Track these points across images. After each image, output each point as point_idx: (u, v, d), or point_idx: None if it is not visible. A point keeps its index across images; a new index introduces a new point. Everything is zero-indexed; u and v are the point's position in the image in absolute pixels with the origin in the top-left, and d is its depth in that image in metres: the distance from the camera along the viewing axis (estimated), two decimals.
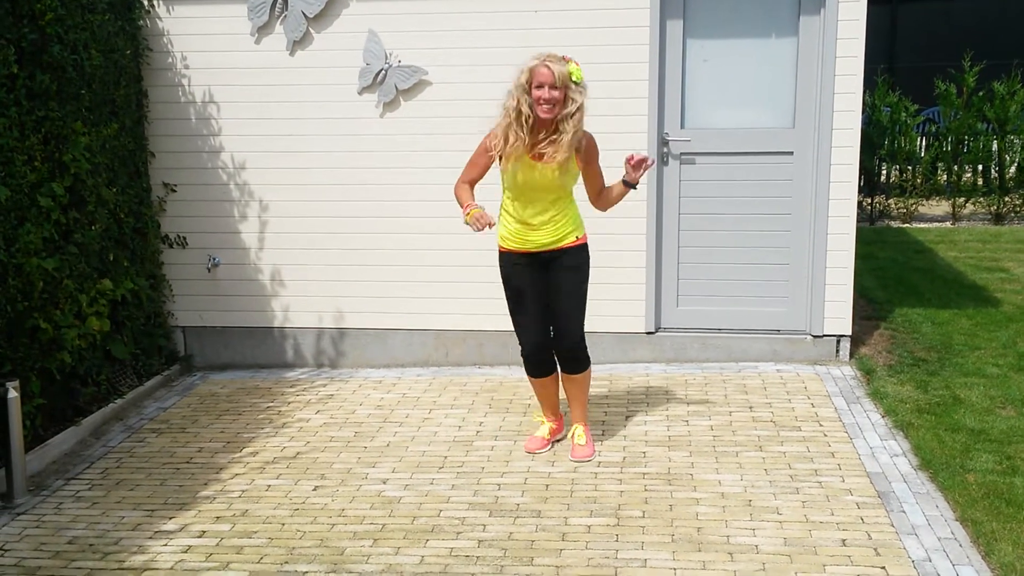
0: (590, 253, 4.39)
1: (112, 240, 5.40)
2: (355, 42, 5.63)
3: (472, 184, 4.29)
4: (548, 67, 4.00)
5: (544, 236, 4.24)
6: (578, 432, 4.53)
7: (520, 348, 4.44)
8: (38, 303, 4.63)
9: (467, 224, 4.06)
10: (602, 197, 4.37)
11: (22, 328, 4.54)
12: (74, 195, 5.02)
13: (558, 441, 4.63)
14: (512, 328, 4.49)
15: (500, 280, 4.40)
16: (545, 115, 4.03)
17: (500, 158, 4.17)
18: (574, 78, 4.04)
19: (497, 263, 4.40)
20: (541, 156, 4.10)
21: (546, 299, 4.35)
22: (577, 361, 4.43)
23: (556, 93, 4.00)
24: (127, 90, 5.56)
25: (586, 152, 4.18)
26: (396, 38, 5.61)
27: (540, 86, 4.00)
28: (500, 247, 4.35)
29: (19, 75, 4.54)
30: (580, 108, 4.06)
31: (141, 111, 5.78)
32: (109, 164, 5.37)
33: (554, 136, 4.08)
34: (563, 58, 4.05)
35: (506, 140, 4.10)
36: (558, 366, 4.50)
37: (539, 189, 4.15)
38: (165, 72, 5.80)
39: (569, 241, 4.29)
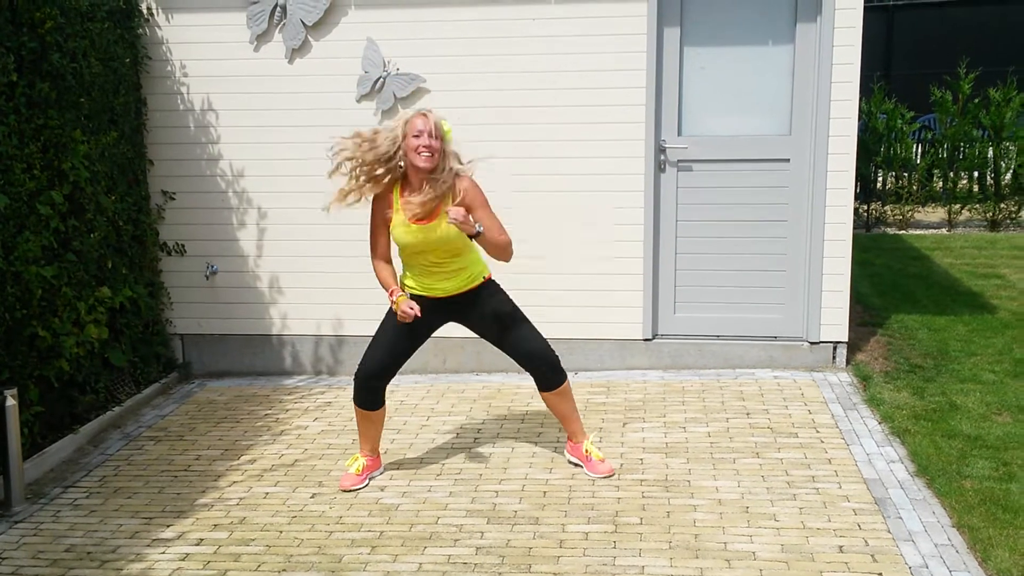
0: (499, 286, 4.29)
1: (111, 248, 5.41)
2: (354, 50, 5.66)
3: (389, 259, 4.20)
4: (426, 115, 3.98)
5: (449, 284, 4.15)
6: (592, 449, 4.40)
7: (358, 369, 4.25)
8: (36, 311, 4.63)
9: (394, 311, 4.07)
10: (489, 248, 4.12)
11: (20, 336, 4.55)
12: (73, 203, 5.03)
13: (372, 478, 4.42)
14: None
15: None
16: (424, 164, 3.93)
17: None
18: (446, 132, 4.01)
19: None
20: (420, 216, 4.01)
21: (414, 343, 4.23)
22: (556, 371, 4.27)
23: (436, 143, 3.95)
24: (126, 98, 5.58)
25: (468, 202, 4.02)
26: (394, 46, 5.63)
27: (419, 134, 3.94)
28: (404, 289, 4.23)
29: (18, 83, 4.56)
30: (448, 158, 4.00)
31: (140, 119, 5.79)
32: (108, 172, 5.38)
33: (418, 191, 4.00)
34: (427, 111, 4.02)
35: (366, 187, 4.04)
36: (542, 386, 4.33)
37: (424, 252, 4.07)
38: (164, 80, 5.82)
39: (477, 283, 4.20)
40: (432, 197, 3.98)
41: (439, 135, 3.98)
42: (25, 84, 4.62)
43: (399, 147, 4.00)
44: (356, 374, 4.27)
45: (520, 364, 4.28)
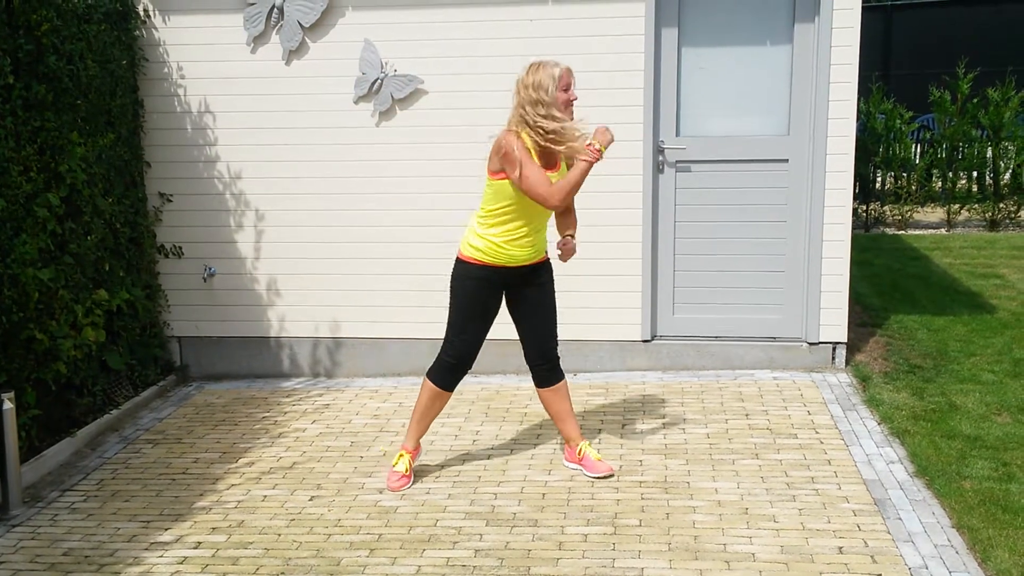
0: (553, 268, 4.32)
1: (108, 250, 5.40)
2: (351, 51, 5.65)
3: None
4: (571, 71, 4.00)
5: (526, 252, 4.14)
6: (589, 449, 4.39)
7: (449, 356, 4.25)
8: (33, 314, 4.62)
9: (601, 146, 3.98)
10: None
11: (17, 339, 4.53)
12: (70, 205, 5.02)
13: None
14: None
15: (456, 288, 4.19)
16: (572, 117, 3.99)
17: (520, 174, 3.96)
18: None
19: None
20: (548, 163, 4.02)
21: (493, 318, 4.25)
22: (558, 368, 4.34)
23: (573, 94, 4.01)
24: (123, 100, 5.57)
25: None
26: (392, 47, 5.62)
27: (568, 88, 3.99)
28: (472, 260, 4.12)
29: (15, 86, 4.55)
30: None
31: (137, 121, 5.78)
32: (105, 174, 5.37)
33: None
34: None
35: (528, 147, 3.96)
36: (542, 381, 4.35)
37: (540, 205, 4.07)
38: (161, 82, 5.81)
39: (542, 257, 4.24)
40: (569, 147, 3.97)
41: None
42: (22, 86, 4.61)
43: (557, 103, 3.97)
44: (446, 357, 4.25)
45: (526, 352, 4.32)
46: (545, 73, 3.95)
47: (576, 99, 4.02)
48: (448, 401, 4.41)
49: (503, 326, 5.99)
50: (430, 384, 4.31)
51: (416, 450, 4.42)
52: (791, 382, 5.47)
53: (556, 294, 4.34)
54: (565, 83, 3.98)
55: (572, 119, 4.01)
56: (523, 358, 4.40)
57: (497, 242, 4.08)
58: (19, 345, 4.55)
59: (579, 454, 4.39)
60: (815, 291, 5.57)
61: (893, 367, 5.58)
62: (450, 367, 4.28)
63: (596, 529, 3.84)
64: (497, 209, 4.05)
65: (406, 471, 4.34)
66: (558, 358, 4.34)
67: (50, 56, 4.79)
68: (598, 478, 4.31)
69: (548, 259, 4.29)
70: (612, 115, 5.50)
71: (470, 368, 4.33)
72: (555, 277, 4.13)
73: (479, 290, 4.17)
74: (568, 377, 5.49)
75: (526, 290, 4.23)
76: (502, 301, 4.27)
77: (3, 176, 4.42)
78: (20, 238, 4.50)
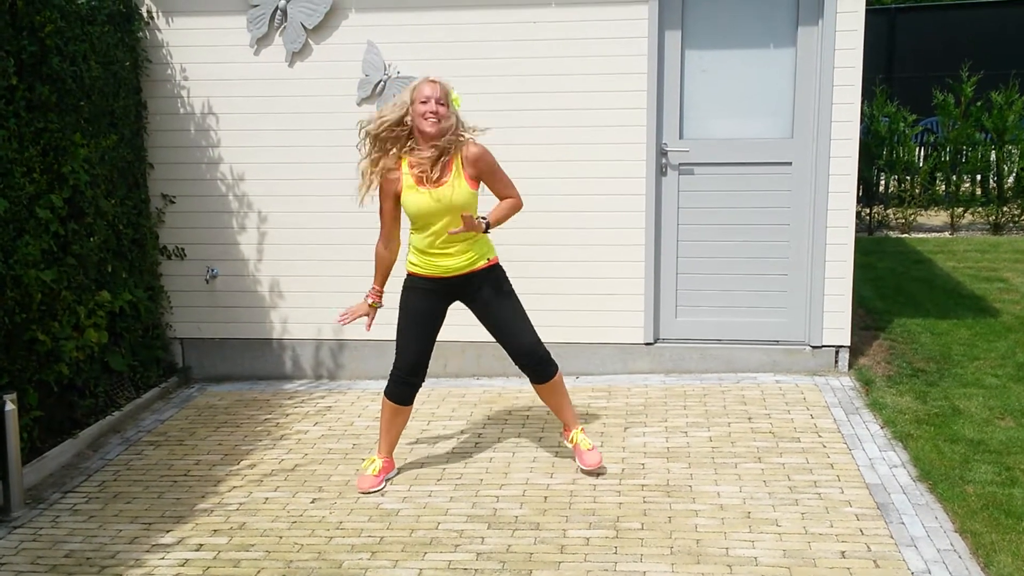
0: (505, 273, 4.33)
1: (111, 251, 5.40)
2: (354, 53, 5.65)
3: (390, 244, 4.28)
4: (434, 81, 4.05)
5: (454, 261, 4.17)
6: (582, 438, 4.43)
7: (397, 367, 4.32)
8: (36, 315, 4.62)
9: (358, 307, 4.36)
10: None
11: (20, 340, 4.53)
12: (73, 207, 5.02)
13: (388, 480, 4.42)
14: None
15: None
16: (430, 128, 4.00)
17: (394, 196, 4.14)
18: (454, 99, 4.09)
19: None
20: (422, 180, 4.05)
21: (437, 327, 4.29)
22: (545, 364, 4.31)
23: (442, 108, 4.01)
24: (126, 101, 5.57)
25: (480, 169, 4.11)
26: (395, 49, 5.62)
27: (426, 100, 4.01)
28: (409, 272, 4.27)
29: (18, 87, 4.55)
30: (456, 124, 4.05)
31: (140, 122, 5.78)
32: (108, 175, 5.37)
33: (427, 155, 4.05)
34: (436, 79, 4.10)
35: (380, 160, 4.08)
36: (531, 379, 4.37)
37: (434, 215, 4.08)
38: (164, 83, 5.81)
39: (481, 264, 4.23)
40: (436, 155, 4.02)
41: (446, 101, 4.03)
42: (25, 88, 4.61)
43: (407, 112, 4.06)
44: (395, 370, 4.32)
45: (511, 357, 4.33)
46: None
47: (434, 111, 4.03)
48: (408, 417, 4.43)
49: None
50: (385, 399, 4.37)
51: (388, 463, 4.45)
52: (794, 385, 5.46)
53: (516, 294, 4.32)
54: (421, 96, 4.05)
55: (431, 131, 4.03)
56: None
57: (421, 253, 4.19)
58: (21, 346, 4.55)
59: (571, 440, 4.45)
60: (818, 294, 5.56)
61: (896, 371, 5.57)
62: (398, 379, 4.33)
63: (598, 533, 3.84)
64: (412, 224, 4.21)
65: (375, 473, 4.37)
66: (541, 356, 4.30)
67: (54, 57, 4.79)
68: (585, 471, 4.34)
69: (493, 265, 4.27)
70: (615, 117, 5.51)
71: (421, 381, 4.35)
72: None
73: (418, 301, 4.24)
74: (570, 380, 5.51)
75: (477, 297, 4.26)
76: (444, 313, 4.31)
77: (6, 177, 4.43)
78: (23, 239, 4.50)
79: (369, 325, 4.41)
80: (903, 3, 16.51)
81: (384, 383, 5.81)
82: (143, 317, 5.71)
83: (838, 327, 5.58)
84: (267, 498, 4.30)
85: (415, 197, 4.09)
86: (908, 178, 10.64)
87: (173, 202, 5.93)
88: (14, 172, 4.47)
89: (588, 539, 3.79)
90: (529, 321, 4.32)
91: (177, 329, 6.08)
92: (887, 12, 15.70)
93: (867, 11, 5.35)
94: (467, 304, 4.33)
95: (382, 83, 5.64)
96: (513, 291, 4.32)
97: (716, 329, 5.77)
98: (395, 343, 4.34)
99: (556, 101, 5.55)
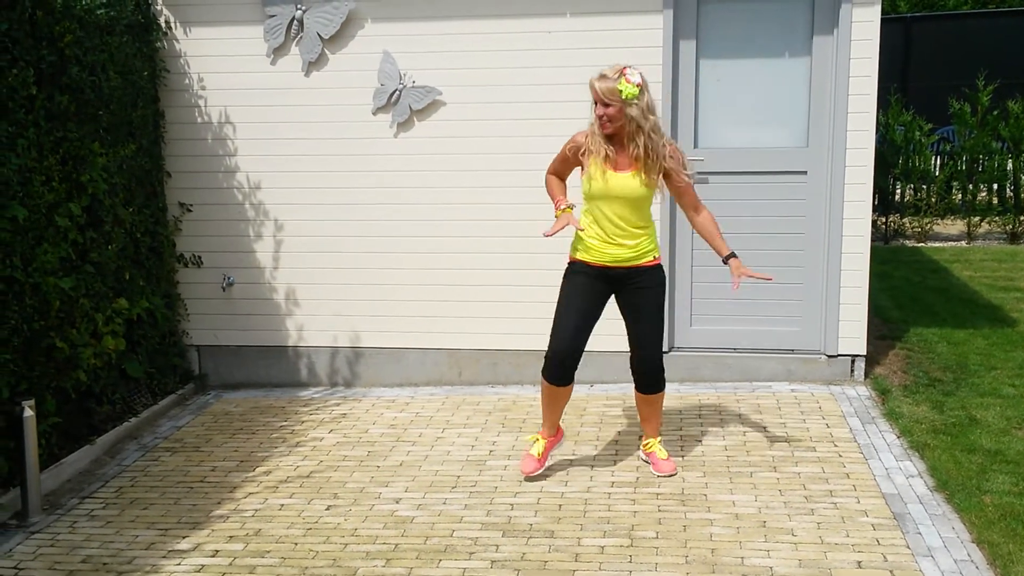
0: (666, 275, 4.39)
1: (128, 259, 5.44)
2: (370, 63, 5.68)
3: (560, 178, 4.36)
4: (593, 85, 4.05)
5: (621, 251, 4.22)
6: (659, 447, 4.53)
7: (548, 348, 4.28)
8: (54, 322, 4.66)
9: (556, 217, 4.20)
10: (699, 224, 4.37)
11: (38, 347, 4.57)
12: (91, 215, 5.06)
13: (551, 455, 4.54)
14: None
15: (556, 295, 4.32)
16: (606, 131, 4.08)
17: (582, 167, 4.21)
18: (624, 95, 4.00)
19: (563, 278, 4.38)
20: (615, 164, 4.12)
21: (595, 314, 4.30)
22: (657, 382, 4.39)
23: (609, 110, 4.03)
24: (144, 111, 5.62)
25: (675, 163, 4.16)
26: (410, 59, 5.64)
27: (595, 103, 4.07)
28: (572, 258, 4.33)
29: (38, 96, 4.59)
30: (636, 121, 4.03)
31: (158, 131, 5.83)
32: (126, 184, 5.41)
33: (624, 149, 4.12)
34: (620, 71, 4.03)
35: (585, 148, 4.16)
36: (636, 386, 4.44)
37: (615, 199, 4.14)
38: (182, 93, 5.86)
39: (647, 260, 4.26)
40: (634, 155, 4.08)
41: (610, 100, 4.02)
42: (45, 97, 4.65)
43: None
44: (549, 351, 4.29)
45: (632, 357, 4.38)
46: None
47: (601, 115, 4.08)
48: (569, 397, 4.43)
49: (516, 336, 6.00)
50: (543, 381, 4.38)
51: (551, 440, 4.51)
52: (809, 394, 5.45)
53: (661, 305, 4.35)
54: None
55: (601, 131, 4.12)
56: (539, 369, 4.42)
57: (586, 237, 4.23)
58: (40, 353, 4.59)
59: (647, 448, 4.56)
60: (834, 303, 5.54)
61: (912, 380, 5.54)
62: (548, 359, 4.32)
63: (613, 541, 3.83)
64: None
65: (538, 456, 4.46)
66: (654, 369, 4.36)
67: (73, 67, 4.84)
68: (662, 477, 4.41)
69: (655, 265, 4.30)
70: None
71: (569, 364, 4.28)
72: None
73: (572, 284, 4.28)
74: (585, 388, 5.52)
75: (624, 293, 4.30)
76: (604, 301, 4.32)
77: (26, 186, 4.47)
78: (42, 247, 4.54)
79: (576, 223, 4.21)
80: (919, 12, 16.46)
81: (398, 390, 5.89)
82: (160, 324, 5.75)
83: (854, 336, 5.56)
84: (282, 505, 4.31)
85: (600, 177, 4.17)
86: (924, 187, 10.60)
87: (190, 210, 5.97)
88: (33, 181, 4.52)
89: (603, 547, 3.79)
90: (663, 333, 4.39)
91: (194, 336, 6.12)
92: (903, 21, 15.66)
93: (882, 20, 5.35)
94: (619, 298, 4.33)
95: (397, 92, 5.66)
96: (663, 297, 4.36)
97: (731, 338, 5.76)
98: (551, 329, 4.31)
99: (570, 110, 5.55)
